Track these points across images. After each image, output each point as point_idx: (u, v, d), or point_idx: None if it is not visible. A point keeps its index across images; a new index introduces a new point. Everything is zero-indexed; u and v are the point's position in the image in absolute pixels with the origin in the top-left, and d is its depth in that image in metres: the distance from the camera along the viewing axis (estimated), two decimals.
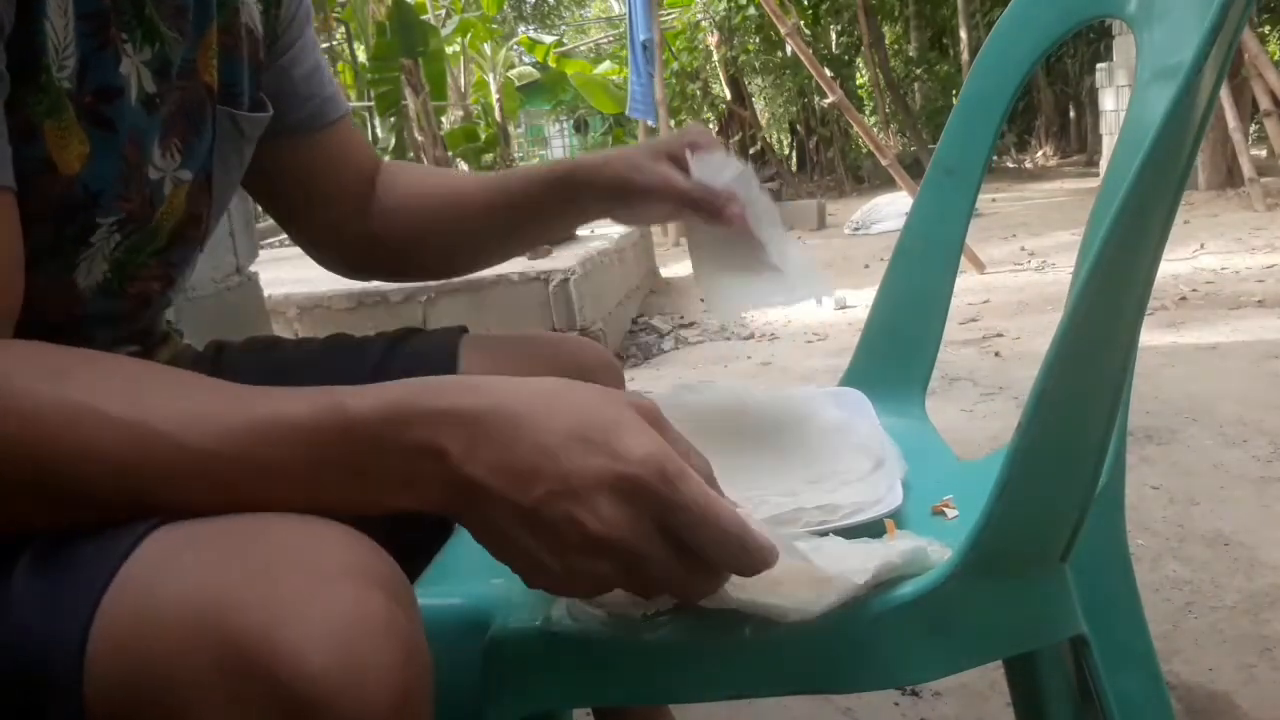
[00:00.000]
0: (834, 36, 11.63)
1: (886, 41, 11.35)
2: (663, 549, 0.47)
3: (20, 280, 0.54)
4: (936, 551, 0.58)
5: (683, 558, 0.48)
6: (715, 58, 10.78)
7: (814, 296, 0.77)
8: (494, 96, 13.21)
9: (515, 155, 14.57)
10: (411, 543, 0.74)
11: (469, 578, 0.63)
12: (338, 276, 0.94)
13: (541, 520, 0.46)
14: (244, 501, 0.47)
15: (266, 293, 2.23)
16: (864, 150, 10.06)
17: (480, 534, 0.50)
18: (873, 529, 0.65)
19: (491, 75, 13.47)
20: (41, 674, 0.43)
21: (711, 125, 11.47)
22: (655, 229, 6.34)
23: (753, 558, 0.48)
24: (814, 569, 0.53)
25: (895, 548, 0.58)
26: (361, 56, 10.18)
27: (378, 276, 0.93)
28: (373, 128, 9.61)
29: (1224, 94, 5.23)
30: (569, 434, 0.47)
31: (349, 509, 0.49)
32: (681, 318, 4.41)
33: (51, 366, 0.48)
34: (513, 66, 14.30)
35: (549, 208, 0.83)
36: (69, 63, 0.56)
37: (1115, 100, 7.54)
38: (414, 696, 0.44)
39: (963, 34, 10.07)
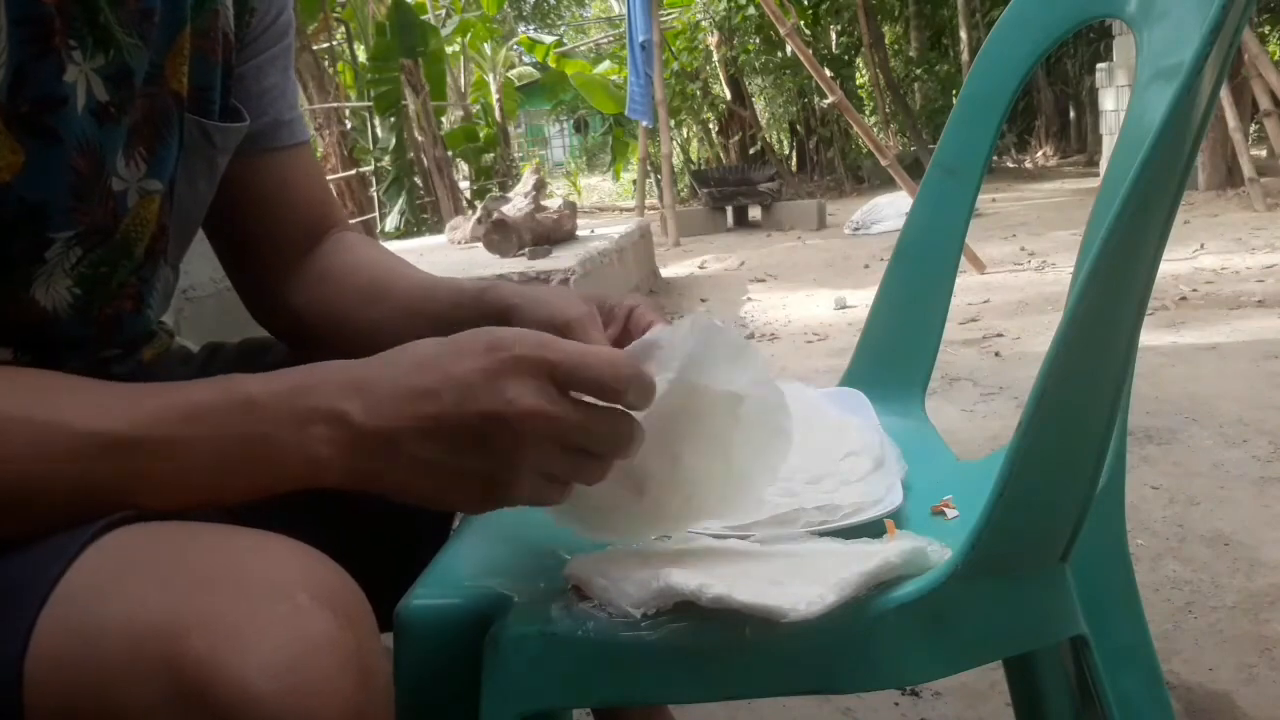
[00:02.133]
0: (834, 36, 11.62)
1: (886, 41, 11.35)
2: (573, 408, 0.51)
3: None
4: (936, 551, 0.58)
5: (592, 410, 0.52)
6: (715, 58, 10.78)
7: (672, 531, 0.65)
8: (494, 96, 13.21)
9: (515, 155, 14.57)
10: (409, 543, 0.75)
11: (469, 578, 0.63)
12: None
13: (458, 431, 0.50)
14: (155, 487, 0.49)
15: None
16: (864, 150, 10.06)
17: (408, 484, 0.51)
18: (873, 529, 0.65)
19: (491, 75, 13.46)
20: None
21: (712, 125, 11.48)
22: (655, 228, 6.34)
23: (637, 379, 0.52)
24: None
25: (895, 548, 0.58)
26: (361, 56, 10.18)
27: (284, 339, 0.83)
28: (373, 128, 9.60)
29: (1224, 94, 5.23)
30: (446, 355, 0.51)
31: (259, 489, 0.51)
32: (681, 318, 4.41)
33: None
34: (513, 66, 14.30)
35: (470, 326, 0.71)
36: None
37: (1115, 100, 7.54)
38: (368, 718, 0.43)
39: (963, 34, 10.07)
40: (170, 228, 0.70)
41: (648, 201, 8.62)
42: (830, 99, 5.44)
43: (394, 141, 9.44)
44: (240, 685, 0.40)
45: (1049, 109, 11.89)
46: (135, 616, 0.42)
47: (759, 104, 11.45)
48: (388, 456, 0.50)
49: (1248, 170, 5.86)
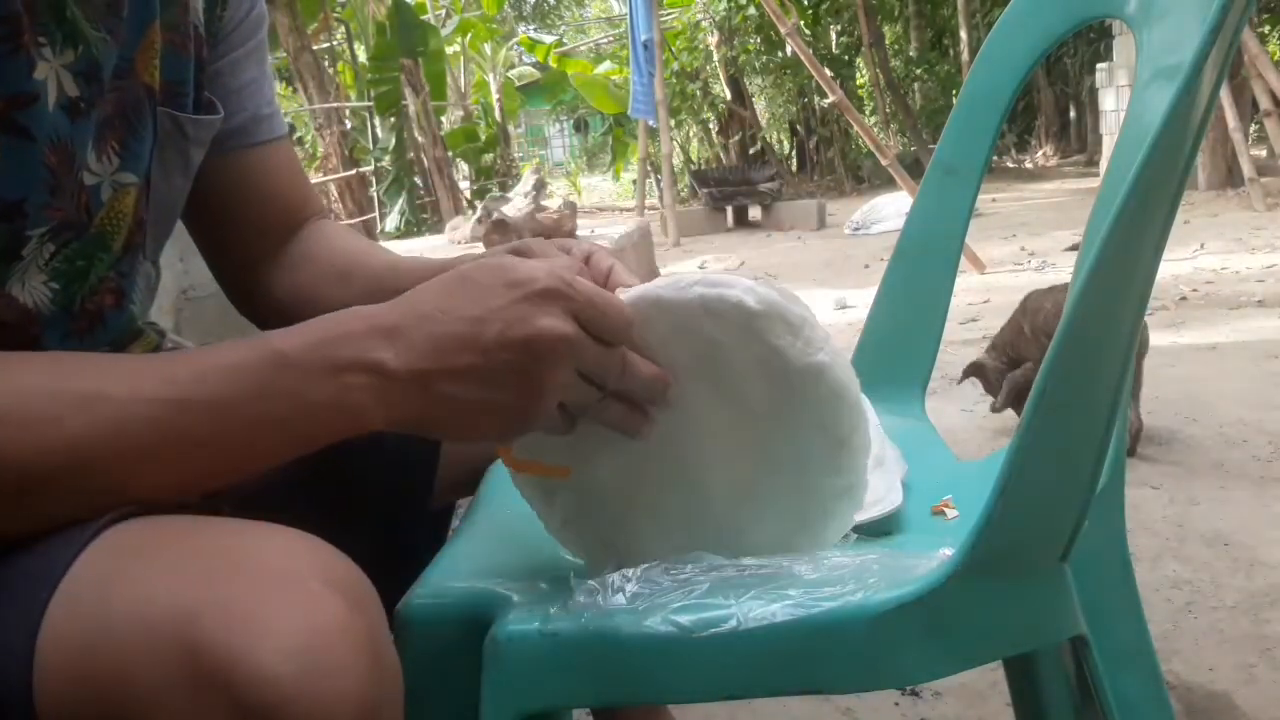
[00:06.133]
0: (834, 36, 11.62)
1: (886, 41, 11.34)
2: (589, 336, 0.54)
3: None
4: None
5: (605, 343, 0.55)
6: (715, 58, 10.77)
7: None
8: (494, 96, 13.22)
9: (515, 155, 14.58)
10: (409, 543, 0.75)
11: (469, 578, 0.63)
12: None
13: (489, 368, 0.52)
14: (198, 452, 0.50)
15: None
16: (864, 150, 10.06)
17: (446, 420, 0.54)
18: (873, 529, 0.65)
19: (491, 75, 13.47)
20: None
21: (712, 125, 11.48)
22: (655, 228, 6.34)
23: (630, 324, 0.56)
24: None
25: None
26: (361, 56, 10.18)
27: (265, 327, 0.82)
28: (373, 128, 9.61)
29: (1224, 94, 5.23)
30: (477, 292, 0.53)
31: (298, 444, 0.52)
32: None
33: None
34: (513, 66, 14.31)
35: None
36: None
37: (1115, 100, 7.54)
38: (381, 702, 0.44)
39: (963, 34, 10.07)
40: (148, 222, 0.70)
41: (648, 201, 8.62)
42: (830, 99, 5.45)
43: (394, 141, 9.44)
44: (256, 667, 0.40)
45: (1049, 109, 11.90)
46: (148, 602, 0.43)
47: (759, 104, 11.45)
48: (422, 398, 0.52)
49: (1248, 170, 5.86)
